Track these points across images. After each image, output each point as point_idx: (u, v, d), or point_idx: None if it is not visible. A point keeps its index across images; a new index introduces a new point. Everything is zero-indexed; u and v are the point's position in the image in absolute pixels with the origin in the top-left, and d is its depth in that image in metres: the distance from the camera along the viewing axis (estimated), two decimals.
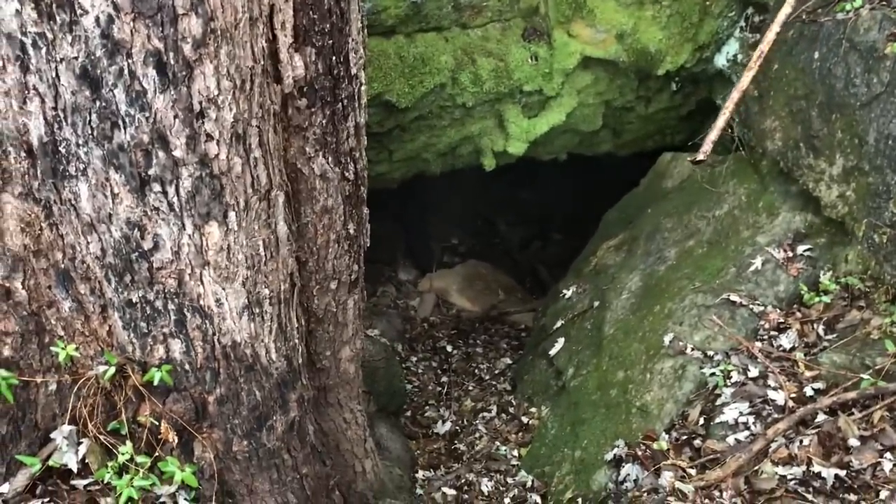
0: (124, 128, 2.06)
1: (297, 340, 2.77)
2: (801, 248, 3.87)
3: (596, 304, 4.94)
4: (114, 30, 1.93)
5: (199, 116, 2.10)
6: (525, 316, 7.08)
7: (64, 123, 2.07)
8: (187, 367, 2.53)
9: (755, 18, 5.58)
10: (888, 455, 2.97)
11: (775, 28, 2.52)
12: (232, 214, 2.29)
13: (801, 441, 3.19)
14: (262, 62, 2.23)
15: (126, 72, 1.99)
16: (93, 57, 1.96)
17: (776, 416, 3.36)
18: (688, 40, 5.55)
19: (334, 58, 2.49)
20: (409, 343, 6.43)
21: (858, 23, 3.62)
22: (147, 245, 2.27)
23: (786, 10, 2.50)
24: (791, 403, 3.36)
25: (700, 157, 2.77)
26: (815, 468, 3.03)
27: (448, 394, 5.67)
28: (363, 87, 2.70)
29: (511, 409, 5.19)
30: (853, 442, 3.08)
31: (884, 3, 3.59)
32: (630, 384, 4.01)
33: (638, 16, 5.30)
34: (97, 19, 1.92)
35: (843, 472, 2.96)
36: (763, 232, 4.07)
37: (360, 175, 2.87)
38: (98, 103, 2.03)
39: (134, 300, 2.38)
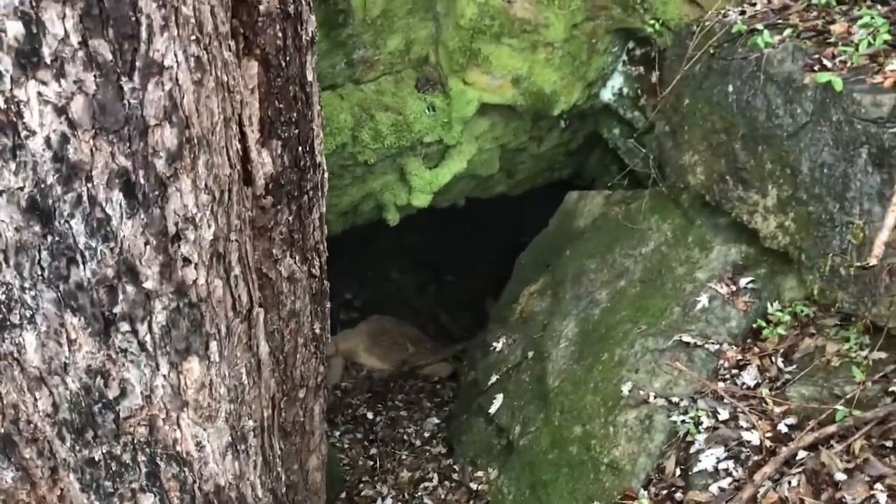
0: (84, 263, 1.70)
1: (280, 469, 2.43)
2: (743, 281, 3.88)
3: (531, 354, 4.79)
4: (69, 151, 1.58)
5: (175, 240, 1.76)
6: (438, 367, 6.88)
7: (4, 266, 1.68)
8: None
9: (636, 52, 5.71)
10: (878, 486, 2.97)
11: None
12: (213, 345, 1.95)
13: (788, 482, 3.14)
14: (238, 166, 1.93)
15: (86, 198, 1.63)
16: (43, 185, 1.60)
17: (755, 457, 3.32)
18: (579, 79, 5.58)
19: (300, 148, 2.21)
20: (326, 416, 6.04)
21: (771, 55, 3.69)
22: (112, 393, 1.89)
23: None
24: (768, 443, 3.33)
25: (873, 261, 2.61)
26: None
27: (381, 467, 5.35)
28: (325, 175, 2.43)
29: (454, 476, 4.94)
30: (839, 476, 3.06)
31: (795, 37, 3.68)
32: (592, 439, 3.87)
33: (532, 59, 5.27)
34: (48, 140, 1.56)
35: None
36: (700, 267, 4.07)
37: (324, 268, 2.59)
38: (50, 238, 1.66)
39: (96, 458, 1.98)
